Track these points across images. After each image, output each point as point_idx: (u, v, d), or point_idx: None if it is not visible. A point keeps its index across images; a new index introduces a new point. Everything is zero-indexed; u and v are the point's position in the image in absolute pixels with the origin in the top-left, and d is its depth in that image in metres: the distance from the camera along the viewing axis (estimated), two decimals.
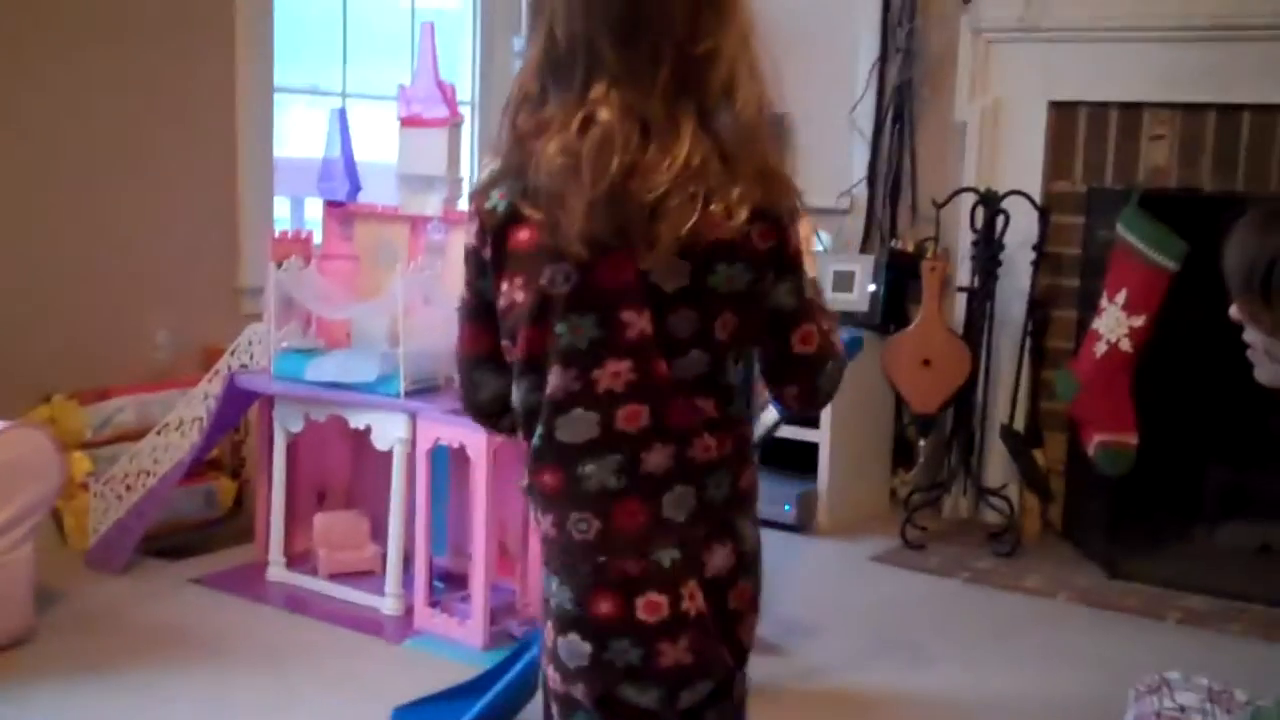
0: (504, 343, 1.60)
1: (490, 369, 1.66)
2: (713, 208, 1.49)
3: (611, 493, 1.54)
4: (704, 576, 1.57)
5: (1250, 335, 1.83)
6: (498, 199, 1.55)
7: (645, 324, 1.52)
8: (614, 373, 1.52)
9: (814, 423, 4.51)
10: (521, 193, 1.53)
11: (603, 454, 1.54)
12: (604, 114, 1.49)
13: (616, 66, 1.50)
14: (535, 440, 1.57)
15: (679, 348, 1.53)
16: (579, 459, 1.55)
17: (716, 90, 1.52)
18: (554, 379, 1.54)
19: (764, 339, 1.62)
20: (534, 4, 1.58)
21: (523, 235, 1.54)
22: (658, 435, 1.54)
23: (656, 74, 1.50)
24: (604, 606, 1.55)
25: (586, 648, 1.56)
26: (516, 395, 1.60)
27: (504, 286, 1.56)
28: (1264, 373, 1.86)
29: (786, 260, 1.57)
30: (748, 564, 1.61)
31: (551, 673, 1.63)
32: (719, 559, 1.58)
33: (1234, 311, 1.84)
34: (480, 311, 1.63)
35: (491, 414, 1.70)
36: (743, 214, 1.50)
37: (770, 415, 2.98)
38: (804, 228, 2.15)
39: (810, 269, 1.64)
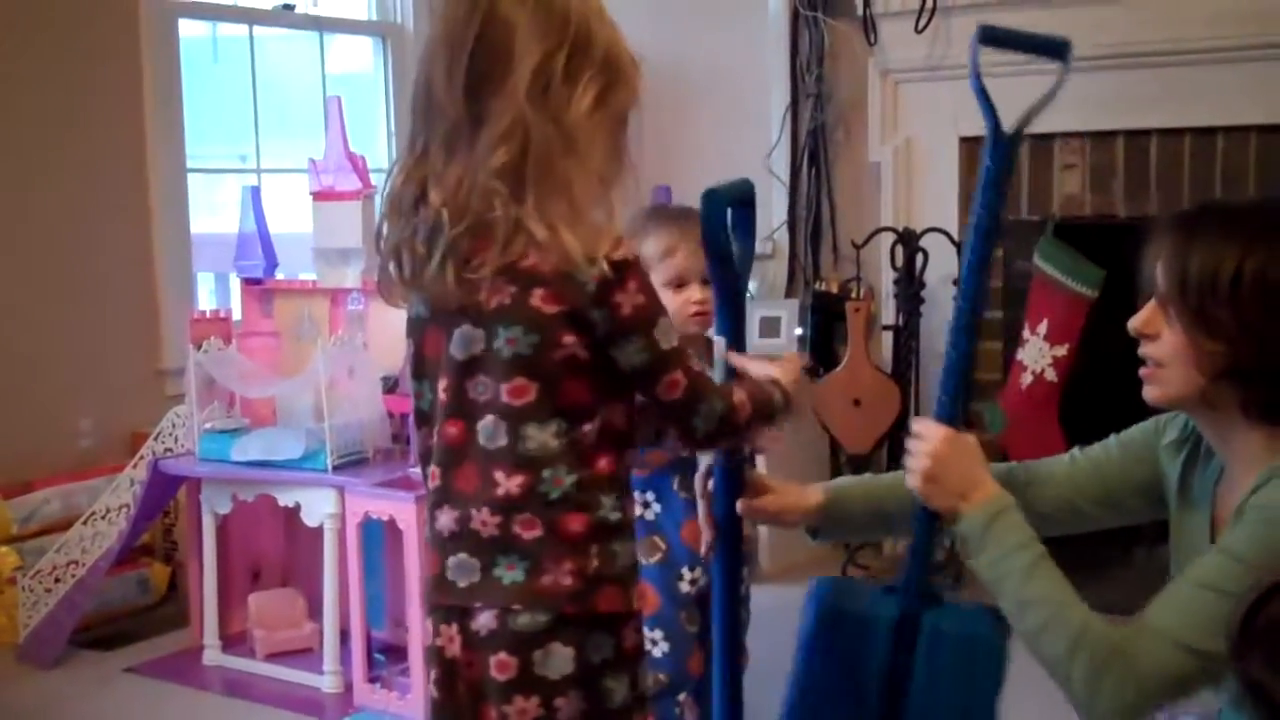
0: None
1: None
2: (470, 263, 1.59)
3: (427, 539, 1.71)
4: (469, 628, 1.64)
5: (1156, 347, 1.81)
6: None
7: (442, 392, 1.65)
8: (434, 442, 1.68)
9: (750, 466, 4.50)
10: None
11: (428, 506, 1.71)
12: (399, 180, 1.67)
13: (421, 136, 1.65)
14: None
15: (476, 412, 1.63)
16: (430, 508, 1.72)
17: (492, 147, 1.59)
18: (420, 436, 1.74)
19: (642, 394, 1.67)
20: None
21: (411, 313, 1.74)
22: (445, 498, 1.67)
23: (440, 134, 1.62)
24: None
25: None
26: None
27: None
28: (1156, 389, 1.83)
29: (619, 324, 1.60)
30: (516, 642, 1.60)
31: None
32: (483, 619, 1.62)
33: (1139, 322, 1.81)
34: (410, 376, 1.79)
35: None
36: (486, 270, 1.58)
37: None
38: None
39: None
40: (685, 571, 2.66)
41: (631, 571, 1.68)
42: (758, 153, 4.95)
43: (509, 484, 1.60)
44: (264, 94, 5.00)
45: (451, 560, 1.63)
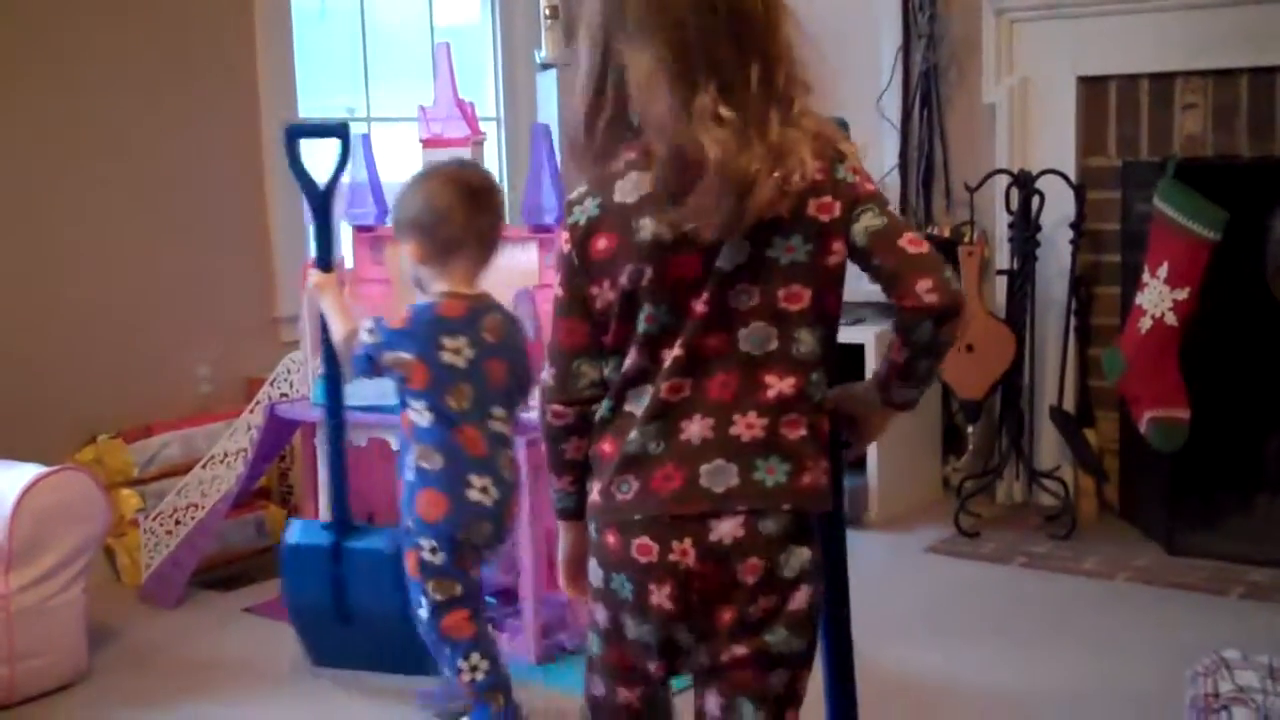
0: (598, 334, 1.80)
1: (587, 359, 1.80)
2: (795, 176, 1.66)
3: (652, 457, 1.71)
4: (706, 541, 1.69)
5: None
6: (580, 214, 1.77)
7: (701, 305, 1.70)
8: (675, 356, 1.71)
9: None
10: (600, 207, 1.75)
11: (648, 422, 1.72)
12: (718, 118, 1.66)
13: (716, 76, 1.67)
14: (603, 412, 1.77)
15: (739, 320, 1.70)
16: (631, 428, 1.73)
17: (786, 84, 1.71)
18: (631, 359, 1.74)
19: (872, 270, 1.72)
20: (603, 24, 1.74)
21: (601, 244, 1.75)
22: (697, 408, 1.71)
23: (747, 76, 1.69)
24: (610, 539, 1.74)
25: (599, 574, 1.78)
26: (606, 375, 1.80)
27: (594, 290, 1.76)
28: None
29: (862, 199, 1.71)
30: (765, 546, 1.69)
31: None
32: (726, 527, 1.69)
33: None
34: (575, 307, 1.79)
35: (585, 401, 1.80)
36: (811, 167, 1.67)
37: None
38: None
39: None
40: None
41: None
42: (869, 95, 4.88)
43: (782, 385, 1.70)
44: (372, 47, 5.03)
45: (705, 468, 1.69)
